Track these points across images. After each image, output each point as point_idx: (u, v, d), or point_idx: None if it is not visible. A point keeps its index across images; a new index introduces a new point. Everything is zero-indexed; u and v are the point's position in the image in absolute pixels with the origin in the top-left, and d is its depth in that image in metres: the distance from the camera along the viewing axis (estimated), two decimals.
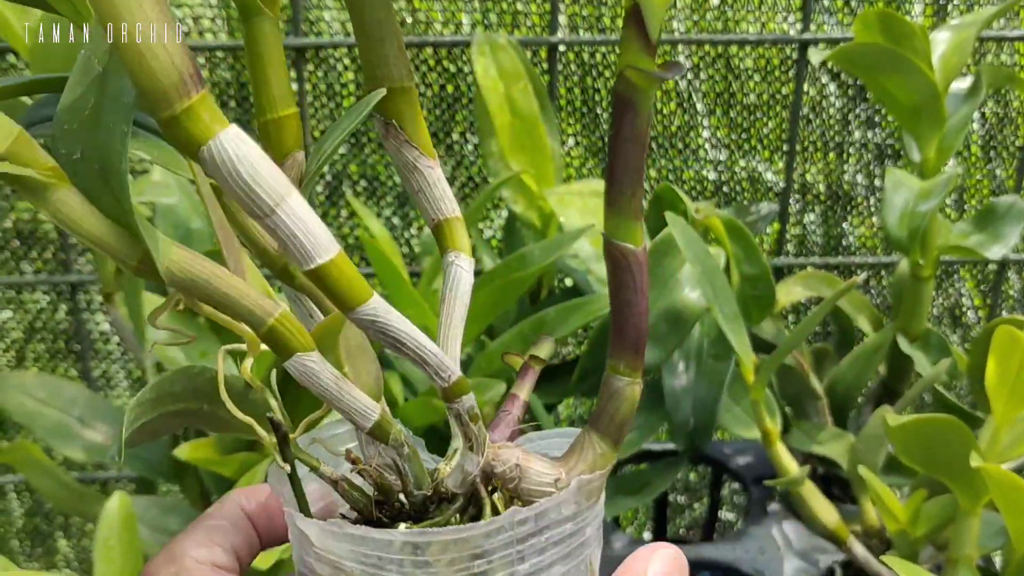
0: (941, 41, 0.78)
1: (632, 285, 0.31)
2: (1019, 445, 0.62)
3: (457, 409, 0.30)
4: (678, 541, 0.90)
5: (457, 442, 0.31)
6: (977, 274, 1.06)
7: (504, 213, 0.98)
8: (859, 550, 0.76)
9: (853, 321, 0.89)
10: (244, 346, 0.29)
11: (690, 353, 0.81)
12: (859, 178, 1.02)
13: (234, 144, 0.24)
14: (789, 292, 0.88)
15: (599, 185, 0.84)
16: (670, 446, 0.91)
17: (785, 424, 0.83)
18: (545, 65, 0.93)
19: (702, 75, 0.98)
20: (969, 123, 0.80)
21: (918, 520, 0.69)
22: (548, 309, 0.72)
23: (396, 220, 1.00)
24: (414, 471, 0.31)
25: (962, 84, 0.81)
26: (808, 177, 1.02)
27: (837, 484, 0.86)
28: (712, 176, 1.00)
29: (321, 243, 0.26)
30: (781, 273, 0.98)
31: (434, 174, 0.32)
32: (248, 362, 0.29)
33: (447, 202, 0.32)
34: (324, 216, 0.99)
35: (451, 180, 0.99)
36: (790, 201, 0.98)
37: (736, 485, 1.10)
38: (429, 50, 0.95)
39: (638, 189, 0.30)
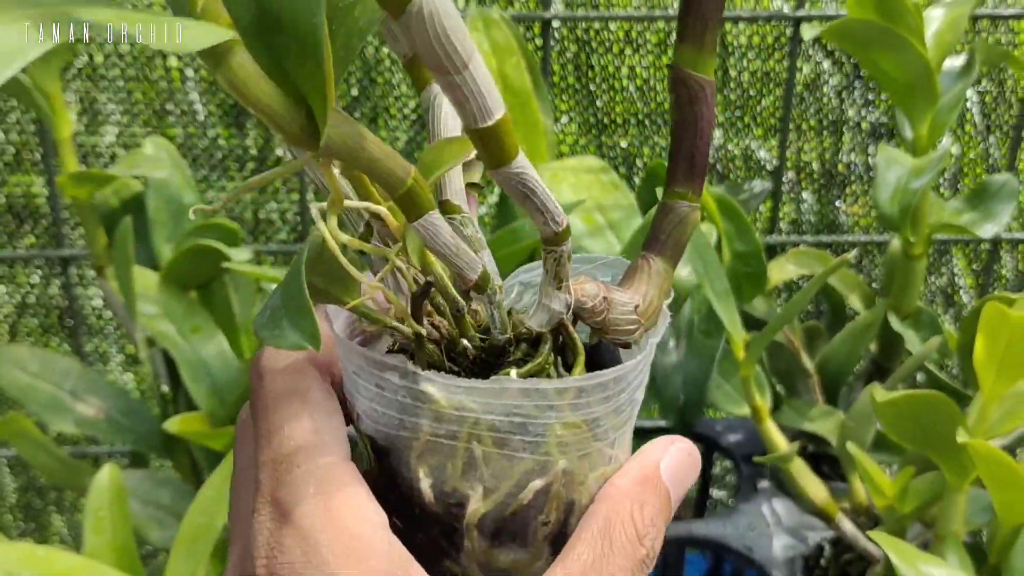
0: (935, 18, 0.78)
1: (706, 115, 0.32)
2: (1007, 422, 0.62)
3: (560, 252, 0.31)
4: None
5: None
6: (970, 253, 1.06)
7: (497, 190, 0.98)
8: (847, 527, 0.76)
9: (845, 300, 0.89)
10: (325, 204, 0.30)
11: (680, 330, 0.81)
12: (853, 157, 1.02)
13: None
14: (781, 270, 0.88)
15: (593, 162, 0.84)
16: (661, 423, 0.91)
17: (776, 402, 0.83)
18: (539, 41, 0.93)
19: None
20: (962, 101, 0.80)
21: (906, 496, 0.69)
22: None
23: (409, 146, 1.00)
24: (500, 316, 0.32)
25: (956, 62, 0.81)
26: (803, 156, 1.01)
27: (827, 462, 0.87)
28: None
29: (497, 101, 0.27)
30: (774, 252, 0.98)
31: None
32: (333, 220, 0.29)
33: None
34: None
35: None
36: (783, 180, 0.98)
37: (727, 464, 1.11)
38: None
39: (716, 26, 0.31)
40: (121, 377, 1.03)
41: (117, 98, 0.93)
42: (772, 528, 0.81)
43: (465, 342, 0.32)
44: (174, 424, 0.68)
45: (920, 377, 0.86)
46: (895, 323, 0.82)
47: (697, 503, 1.02)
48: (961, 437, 0.58)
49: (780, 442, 0.76)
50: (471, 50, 0.26)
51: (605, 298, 0.32)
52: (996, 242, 1.02)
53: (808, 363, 0.84)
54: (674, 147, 0.33)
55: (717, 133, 1.00)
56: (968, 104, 1.01)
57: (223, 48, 0.25)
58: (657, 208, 0.34)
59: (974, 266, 1.05)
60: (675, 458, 0.33)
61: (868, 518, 0.77)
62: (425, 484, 0.31)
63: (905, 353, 0.85)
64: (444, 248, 0.30)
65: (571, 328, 0.33)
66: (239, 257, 0.73)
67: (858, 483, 0.77)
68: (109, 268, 0.79)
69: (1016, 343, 0.58)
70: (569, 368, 0.33)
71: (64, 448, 0.81)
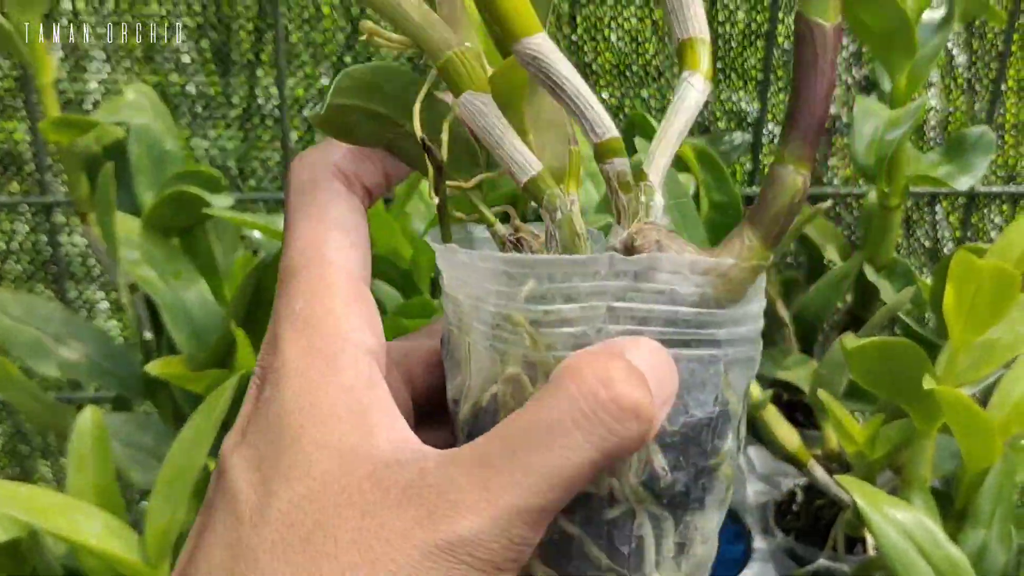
0: None
1: (813, 62, 0.28)
2: (976, 370, 0.63)
3: (607, 171, 0.28)
4: None
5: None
6: (948, 207, 1.06)
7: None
8: (819, 473, 0.77)
9: (822, 250, 0.90)
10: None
11: None
12: (838, 110, 1.02)
13: None
14: None
15: None
16: None
17: None
18: None
19: None
20: (940, 53, 0.80)
21: (876, 443, 0.70)
22: None
23: None
24: (563, 239, 0.29)
25: (934, 14, 0.81)
26: (784, 108, 1.02)
27: (801, 410, 0.88)
28: None
29: None
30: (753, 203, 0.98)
31: None
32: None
33: (695, 22, 0.30)
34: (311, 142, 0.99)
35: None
36: (763, 132, 0.98)
37: None
38: None
39: None
40: (105, 325, 1.03)
41: (100, 44, 0.93)
42: (746, 474, 0.83)
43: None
44: (155, 367, 0.69)
45: (897, 330, 0.87)
46: (870, 274, 0.83)
47: None
48: (928, 384, 0.59)
49: (754, 390, 0.77)
50: None
51: (658, 242, 0.28)
52: (973, 196, 1.03)
53: (784, 313, 0.85)
54: (789, 100, 0.29)
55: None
56: (954, 58, 1.01)
57: None
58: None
59: (951, 219, 1.06)
60: (646, 357, 0.28)
61: (839, 465, 0.78)
62: None
63: (880, 304, 0.85)
64: (487, 134, 0.28)
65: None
66: (220, 204, 0.73)
67: (830, 431, 0.79)
68: (92, 214, 0.80)
69: (984, 292, 0.59)
70: None
71: (48, 394, 0.82)
